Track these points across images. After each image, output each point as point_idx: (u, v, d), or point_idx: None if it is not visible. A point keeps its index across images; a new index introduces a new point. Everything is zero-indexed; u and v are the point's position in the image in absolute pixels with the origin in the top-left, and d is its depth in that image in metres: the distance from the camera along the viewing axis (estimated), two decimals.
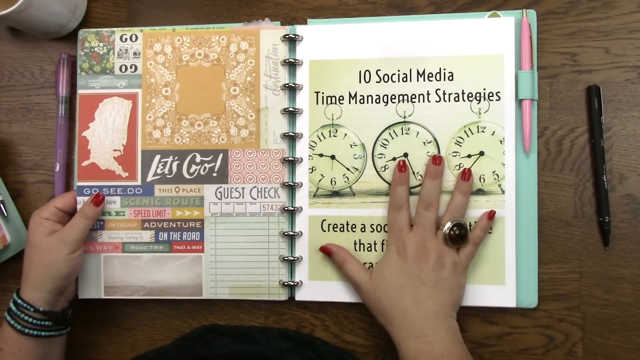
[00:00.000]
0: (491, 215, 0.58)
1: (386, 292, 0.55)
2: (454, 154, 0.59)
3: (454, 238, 0.55)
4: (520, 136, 0.59)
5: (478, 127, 0.59)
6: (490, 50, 0.59)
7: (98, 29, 0.64)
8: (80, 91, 0.63)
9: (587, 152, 0.60)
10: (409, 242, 0.55)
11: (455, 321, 0.55)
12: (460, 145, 0.59)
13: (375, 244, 0.60)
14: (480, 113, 0.59)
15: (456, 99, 0.59)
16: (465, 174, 0.58)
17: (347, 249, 0.60)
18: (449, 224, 0.56)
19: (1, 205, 0.64)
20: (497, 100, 0.59)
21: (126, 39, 0.63)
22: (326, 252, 0.60)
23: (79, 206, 0.62)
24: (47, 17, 0.62)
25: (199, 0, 0.66)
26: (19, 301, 0.57)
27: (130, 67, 0.63)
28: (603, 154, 0.59)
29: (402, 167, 0.58)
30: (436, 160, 0.57)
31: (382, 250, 0.60)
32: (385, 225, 0.60)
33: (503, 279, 0.59)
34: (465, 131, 0.59)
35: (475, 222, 0.59)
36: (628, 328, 0.59)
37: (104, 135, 0.63)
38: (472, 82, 0.59)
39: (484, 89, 0.59)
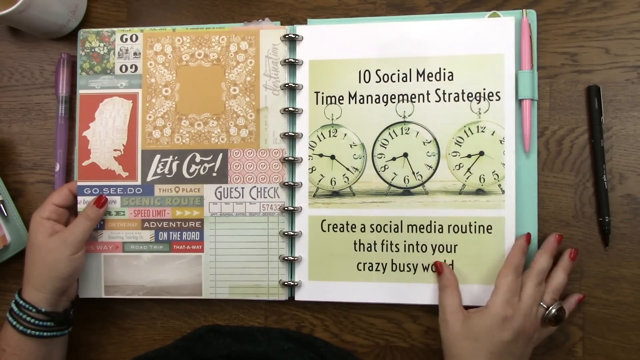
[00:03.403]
0: (581, 299, 0.59)
1: (471, 351, 0.54)
2: (454, 153, 0.60)
3: (551, 320, 0.56)
4: (520, 136, 0.60)
5: (478, 127, 0.60)
6: (490, 50, 0.60)
7: (98, 29, 0.64)
8: (80, 91, 0.64)
9: (587, 152, 0.61)
10: (519, 314, 0.54)
11: None
12: (460, 145, 0.60)
13: (375, 244, 0.61)
14: (480, 113, 0.60)
15: (456, 98, 0.60)
16: (572, 254, 0.58)
17: (457, 279, 0.59)
18: (555, 308, 0.55)
19: (1, 205, 0.65)
20: (497, 100, 0.60)
21: (126, 39, 0.64)
22: (438, 269, 0.59)
23: (80, 206, 0.63)
24: (47, 17, 0.63)
25: (199, 0, 0.67)
26: (21, 302, 0.57)
27: (131, 67, 0.64)
28: (603, 154, 0.60)
29: (529, 239, 0.58)
30: (558, 237, 0.59)
31: (382, 250, 0.61)
32: (385, 225, 0.61)
33: None
34: (465, 131, 0.60)
35: (474, 222, 0.59)
36: (628, 328, 0.60)
37: (104, 135, 0.63)
38: (471, 82, 0.60)
39: (484, 89, 0.60)
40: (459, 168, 0.60)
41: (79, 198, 0.63)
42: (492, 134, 0.60)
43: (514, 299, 0.55)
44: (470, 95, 0.60)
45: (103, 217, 0.63)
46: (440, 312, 0.57)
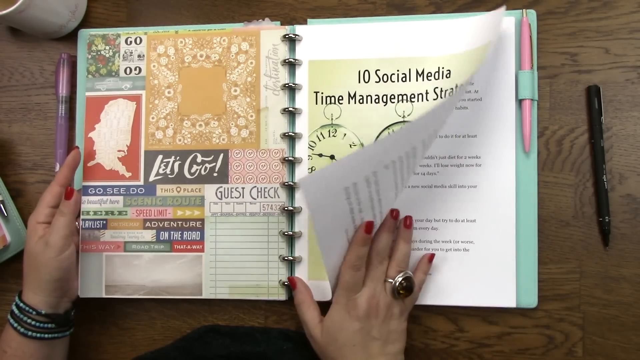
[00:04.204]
0: (431, 258, 0.60)
1: (338, 351, 0.56)
2: None
3: (401, 292, 0.57)
4: (520, 136, 0.61)
5: None
6: (489, 50, 0.61)
7: (104, 33, 0.66)
8: (87, 93, 0.66)
9: (587, 152, 0.62)
10: (361, 301, 0.56)
11: None
12: None
13: None
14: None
15: (450, 94, 0.60)
16: (407, 222, 0.59)
17: (311, 292, 0.61)
18: (399, 278, 0.57)
19: (1, 205, 0.66)
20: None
21: (131, 42, 0.65)
22: (291, 284, 0.61)
23: (83, 206, 0.64)
24: (47, 17, 0.64)
25: (199, 0, 0.68)
26: (21, 304, 0.58)
27: (135, 69, 0.65)
28: (603, 154, 0.61)
29: (369, 228, 0.55)
30: (394, 213, 0.58)
31: None
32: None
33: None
34: None
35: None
36: (628, 328, 0.61)
37: (109, 136, 0.65)
38: (465, 76, 0.60)
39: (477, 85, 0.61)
40: None
41: (84, 198, 0.64)
42: None
43: (355, 292, 0.56)
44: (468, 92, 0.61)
45: (104, 215, 0.64)
46: (305, 329, 0.60)
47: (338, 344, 0.56)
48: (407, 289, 0.57)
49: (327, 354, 0.57)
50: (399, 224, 0.59)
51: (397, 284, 0.57)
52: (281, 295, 0.63)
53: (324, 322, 0.58)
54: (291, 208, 0.63)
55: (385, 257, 0.58)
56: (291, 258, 0.63)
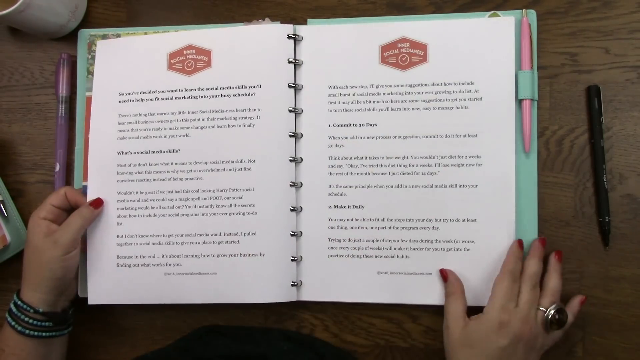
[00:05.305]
0: (583, 301, 0.60)
1: (468, 357, 0.56)
2: None
3: (553, 323, 0.57)
4: (520, 136, 0.62)
5: None
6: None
7: (104, 33, 0.66)
8: (87, 93, 0.66)
9: (587, 152, 0.62)
10: (515, 318, 0.56)
11: None
12: None
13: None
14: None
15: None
16: (557, 256, 0.60)
17: (462, 285, 0.60)
18: (553, 309, 0.57)
19: (1, 205, 0.66)
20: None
21: None
22: (443, 276, 0.61)
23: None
24: (47, 17, 0.65)
25: (199, 0, 0.68)
26: (19, 302, 0.59)
27: None
28: (603, 154, 0.61)
29: (521, 245, 0.60)
30: (543, 241, 0.60)
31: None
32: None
33: None
34: None
35: None
36: (628, 328, 0.61)
37: None
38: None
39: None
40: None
41: None
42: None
43: (510, 304, 0.57)
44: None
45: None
46: (444, 319, 0.60)
47: (474, 351, 0.56)
48: (559, 322, 0.57)
49: (455, 351, 0.57)
50: (551, 258, 0.60)
51: (551, 315, 0.57)
52: (291, 297, 0.63)
53: (469, 323, 0.57)
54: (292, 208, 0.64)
55: (537, 284, 0.58)
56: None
